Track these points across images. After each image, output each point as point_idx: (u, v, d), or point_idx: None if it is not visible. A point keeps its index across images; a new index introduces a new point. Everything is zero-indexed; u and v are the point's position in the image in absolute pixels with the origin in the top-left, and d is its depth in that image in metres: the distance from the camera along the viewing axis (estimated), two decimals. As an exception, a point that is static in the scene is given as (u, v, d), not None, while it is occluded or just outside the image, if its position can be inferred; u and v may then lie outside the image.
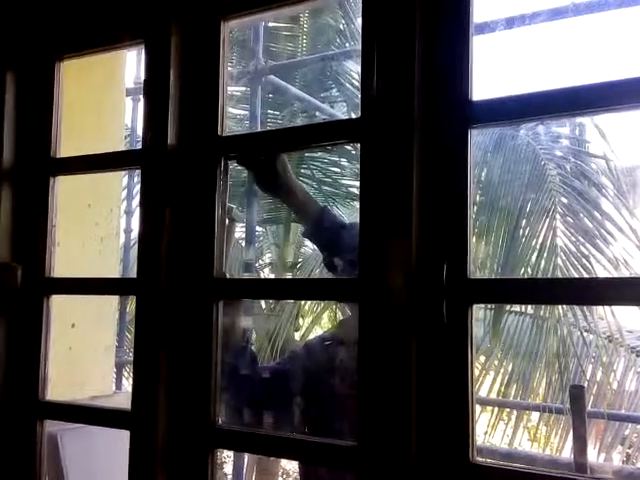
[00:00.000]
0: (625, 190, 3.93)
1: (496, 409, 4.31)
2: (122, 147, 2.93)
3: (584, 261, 3.82)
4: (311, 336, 5.30)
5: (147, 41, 1.31)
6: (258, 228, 4.98)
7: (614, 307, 3.71)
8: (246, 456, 4.28)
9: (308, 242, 4.93)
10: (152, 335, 1.24)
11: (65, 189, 1.49)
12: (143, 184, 1.30)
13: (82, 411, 1.46)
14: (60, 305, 1.49)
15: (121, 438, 1.29)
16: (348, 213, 4.83)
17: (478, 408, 4.30)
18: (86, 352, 2.29)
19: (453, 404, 0.99)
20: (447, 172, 1.02)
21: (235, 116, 5.02)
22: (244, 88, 4.78)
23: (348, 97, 4.84)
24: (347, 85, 4.81)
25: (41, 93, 1.45)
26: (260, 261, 5.55)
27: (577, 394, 3.18)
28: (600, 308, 3.86)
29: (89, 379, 2.31)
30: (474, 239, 3.92)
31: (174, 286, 1.24)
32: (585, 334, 4.01)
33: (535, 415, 4.37)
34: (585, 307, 3.73)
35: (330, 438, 1.16)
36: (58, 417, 1.49)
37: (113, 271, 2.52)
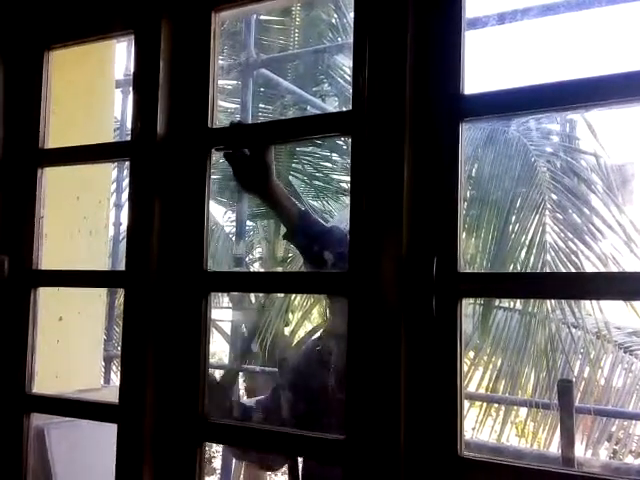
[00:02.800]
0: (614, 187, 3.95)
1: (484, 404, 4.33)
2: (111, 139, 2.90)
3: (573, 257, 3.83)
4: (301, 331, 5.31)
5: (137, 31, 1.29)
6: (248, 223, 4.97)
7: (602, 303, 3.74)
8: (235, 450, 4.26)
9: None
10: (140, 328, 1.23)
11: (53, 181, 1.47)
12: (132, 175, 1.29)
13: (69, 404, 1.45)
14: (48, 298, 1.48)
15: (109, 432, 1.28)
16: (339, 208, 4.83)
17: (467, 403, 4.32)
18: (74, 345, 2.28)
19: (442, 398, 0.99)
20: (438, 166, 1.02)
21: (226, 109, 5.00)
22: (235, 81, 4.76)
23: (340, 91, 4.82)
24: (339, 79, 4.80)
25: (29, 83, 1.44)
26: (250, 255, 5.54)
27: (565, 388, 3.19)
28: (588, 304, 3.88)
29: (77, 373, 2.30)
30: (464, 234, 3.92)
31: (163, 279, 1.23)
32: (573, 330, 4.02)
33: (523, 410, 4.39)
34: (573, 303, 3.75)
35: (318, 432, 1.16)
36: (45, 410, 1.48)
37: (102, 264, 2.50)
